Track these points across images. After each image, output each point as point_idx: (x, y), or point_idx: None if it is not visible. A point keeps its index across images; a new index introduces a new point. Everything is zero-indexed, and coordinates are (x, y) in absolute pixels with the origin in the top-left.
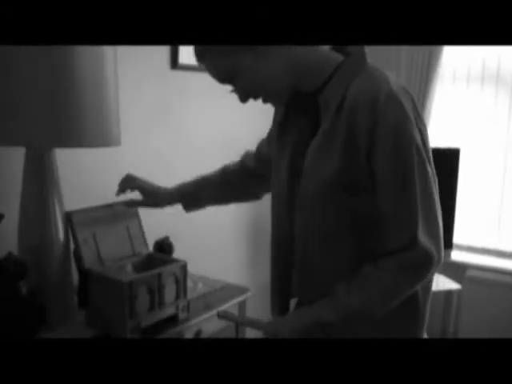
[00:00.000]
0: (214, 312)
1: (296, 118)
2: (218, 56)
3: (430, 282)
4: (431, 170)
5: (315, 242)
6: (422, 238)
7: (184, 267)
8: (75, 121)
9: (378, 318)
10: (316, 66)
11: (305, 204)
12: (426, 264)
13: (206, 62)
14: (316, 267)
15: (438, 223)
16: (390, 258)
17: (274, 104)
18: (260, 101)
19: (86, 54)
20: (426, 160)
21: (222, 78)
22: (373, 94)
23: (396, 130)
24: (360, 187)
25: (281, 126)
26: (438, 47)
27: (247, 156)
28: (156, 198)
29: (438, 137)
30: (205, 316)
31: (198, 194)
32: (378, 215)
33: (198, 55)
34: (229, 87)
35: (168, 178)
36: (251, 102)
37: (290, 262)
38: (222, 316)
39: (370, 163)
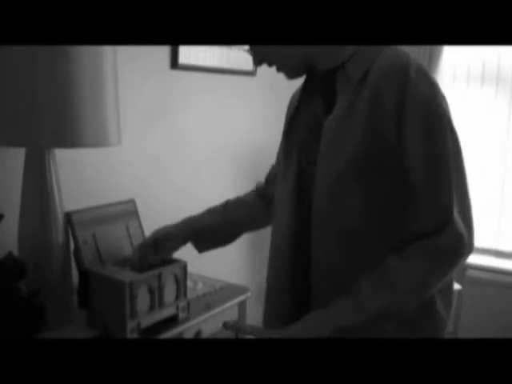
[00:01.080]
0: (214, 312)
1: (309, 101)
2: None
3: (451, 285)
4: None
5: (334, 236)
6: (457, 217)
7: (184, 267)
8: (75, 121)
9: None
10: (333, 46)
11: (321, 193)
12: (459, 249)
13: None
14: (336, 266)
15: (470, 205)
16: (419, 243)
17: (287, 74)
18: (262, 106)
19: (85, 53)
20: (457, 135)
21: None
22: (402, 65)
23: (428, 102)
24: (386, 165)
25: (291, 119)
26: (438, 47)
27: (259, 185)
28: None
29: None
30: (205, 316)
31: (211, 238)
32: (405, 196)
33: None
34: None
35: (167, 178)
36: (251, 102)
37: (301, 265)
38: (230, 327)
39: (399, 137)
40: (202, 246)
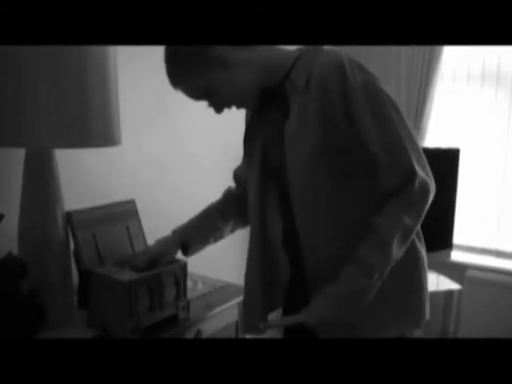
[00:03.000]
0: (214, 312)
1: (265, 112)
2: (192, 78)
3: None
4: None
5: (320, 216)
6: (418, 168)
7: (184, 267)
8: (78, 121)
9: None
10: (278, 61)
11: (297, 185)
12: (426, 193)
13: (181, 86)
14: (325, 244)
15: (421, 152)
16: (394, 199)
17: (248, 108)
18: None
19: (88, 54)
20: (397, 105)
21: (198, 96)
22: (337, 62)
23: (365, 85)
24: (347, 146)
25: (249, 127)
26: (438, 47)
27: (230, 188)
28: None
29: (438, 137)
30: (205, 316)
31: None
32: (370, 166)
33: (173, 81)
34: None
35: (168, 178)
36: None
37: (291, 252)
38: (269, 325)
39: (350, 122)
40: (194, 252)
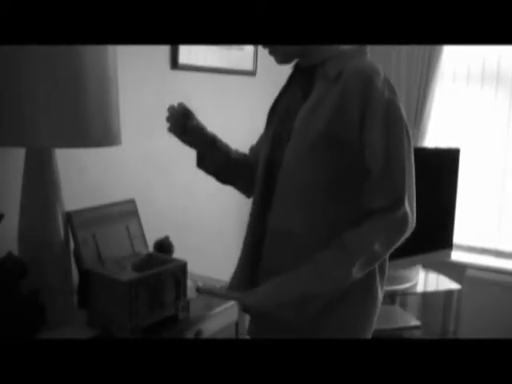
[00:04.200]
0: (214, 312)
1: (290, 91)
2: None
3: (386, 263)
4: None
5: (295, 201)
6: (406, 201)
7: (184, 267)
8: (78, 121)
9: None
10: (327, 46)
11: (289, 164)
12: (405, 226)
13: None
14: (293, 229)
15: (414, 197)
16: (373, 219)
17: (277, 59)
18: (262, 106)
19: (88, 53)
20: (410, 136)
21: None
22: (369, 74)
23: (388, 105)
24: (345, 144)
25: (275, 101)
26: (438, 47)
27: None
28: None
29: (437, 137)
30: (205, 316)
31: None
32: (362, 178)
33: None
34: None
35: (168, 178)
36: (251, 102)
37: (259, 230)
38: (202, 291)
39: (361, 129)
40: (209, 161)
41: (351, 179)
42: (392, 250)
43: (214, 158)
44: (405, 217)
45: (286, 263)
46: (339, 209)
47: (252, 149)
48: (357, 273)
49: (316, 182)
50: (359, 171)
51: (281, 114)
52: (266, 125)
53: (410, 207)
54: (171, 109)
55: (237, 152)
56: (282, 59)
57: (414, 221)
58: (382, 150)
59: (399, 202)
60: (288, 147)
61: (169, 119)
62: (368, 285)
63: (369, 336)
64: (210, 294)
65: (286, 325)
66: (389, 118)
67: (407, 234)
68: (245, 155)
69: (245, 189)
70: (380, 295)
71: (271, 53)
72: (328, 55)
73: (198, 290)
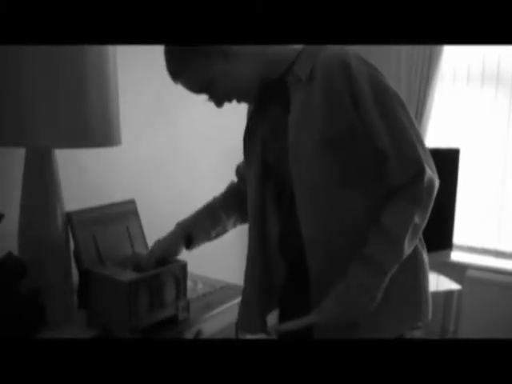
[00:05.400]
0: (214, 312)
1: (264, 108)
2: (193, 70)
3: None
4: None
5: (319, 207)
6: (425, 165)
7: (184, 267)
8: (78, 121)
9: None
10: (280, 54)
11: (300, 179)
12: (433, 190)
13: (181, 79)
14: (327, 237)
15: (426, 148)
16: (401, 195)
17: (248, 101)
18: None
19: (88, 53)
20: (402, 100)
21: (199, 89)
22: (342, 58)
23: (371, 81)
24: (348, 135)
25: (249, 124)
26: (438, 47)
27: (232, 183)
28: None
29: (437, 137)
30: (205, 316)
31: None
32: (378, 160)
33: (173, 74)
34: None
35: (168, 178)
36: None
37: (290, 246)
38: (279, 333)
39: (358, 114)
40: (196, 245)
41: (366, 168)
42: (428, 215)
43: (200, 236)
44: (430, 182)
45: (336, 271)
46: (363, 200)
47: (238, 169)
48: (408, 249)
49: (332, 185)
50: (371, 157)
51: (265, 137)
52: (247, 155)
53: (429, 167)
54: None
55: (218, 207)
56: (251, 98)
57: (437, 176)
58: (384, 128)
59: (420, 169)
60: (292, 165)
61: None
62: (413, 256)
63: (428, 305)
64: (285, 331)
65: (354, 325)
66: (378, 95)
67: (436, 190)
68: (229, 196)
69: (242, 219)
70: (426, 259)
71: (239, 100)
72: (292, 58)
73: (276, 332)
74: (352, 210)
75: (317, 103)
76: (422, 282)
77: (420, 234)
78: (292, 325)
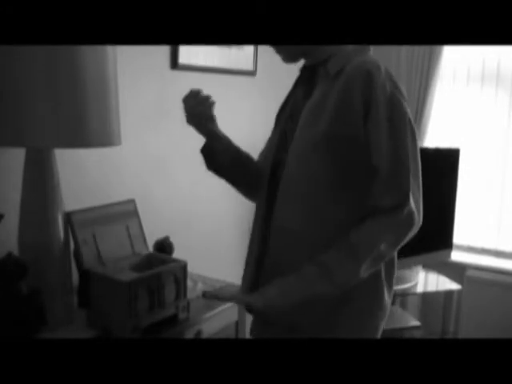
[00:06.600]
0: (214, 312)
1: (295, 91)
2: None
3: (394, 260)
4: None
5: (298, 200)
6: (411, 198)
7: (184, 267)
8: (78, 121)
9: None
10: (328, 46)
11: (292, 162)
12: (410, 225)
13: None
14: (296, 228)
15: (420, 191)
16: (378, 217)
17: (284, 58)
18: (262, 106)
19: (88, 53)
20: (415, 131)
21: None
22: (369, 68)
23: (391, 101)
24: (349, 140)
25: (283, 103)
26: (438, 47)
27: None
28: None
29: (437, 137)
30: (205, 316)
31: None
32: (368, 176)
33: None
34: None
35: (168, 178)
36: (251, 102)
37: (264, 231)
38: (208, 295)
39: (365, 125)
40: (220, 155)
41: (354, 179)
42: (398, 249)
43: (226, 152)
44: (410, 215)
45: (289, 263)
46: (342, 208)
47: (261, 153)
48: (363, 273)
49: (319, 181)
50: (362, 170)
51: (287, 114)
52: (274, 126)
53: (416, 205)
54: (194, 96)
55: (246, 153)
56: (287, 58)
57: (421, 219)
58: (388, 150)
59: (404, 201)
60: (291, 147)
61: (194, 108)
62: (373, 285)
63: (377, 336)
64: (216, 298)
65: (291, 326)
66: (392, 115)
67: (413, 232)
68: (253, 159)
69: (248, 191)
70: (387, 298)
71: (277, 52)
72: (330, 53)
73: (204, 294)
74: (328, 215)
75: (331, 101)
76: (376, 318)
77: (385, 281)
78: (235, 298)
